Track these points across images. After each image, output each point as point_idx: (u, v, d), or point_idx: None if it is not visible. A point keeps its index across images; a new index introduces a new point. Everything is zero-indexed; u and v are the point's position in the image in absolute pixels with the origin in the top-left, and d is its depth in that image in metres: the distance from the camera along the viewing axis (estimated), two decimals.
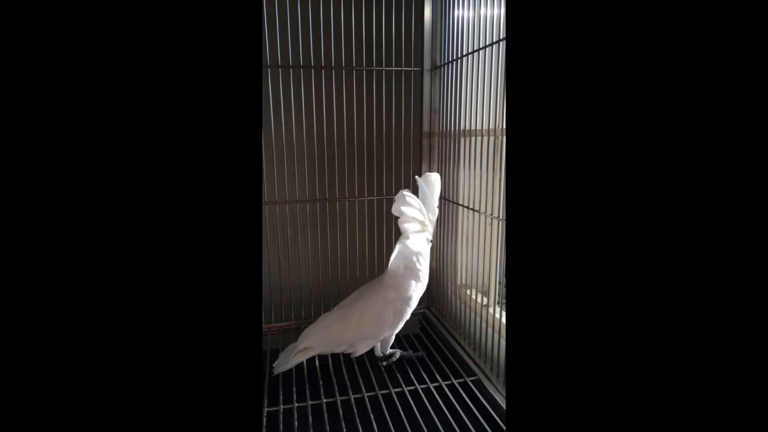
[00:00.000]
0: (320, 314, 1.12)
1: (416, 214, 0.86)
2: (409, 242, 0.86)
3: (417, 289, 0.89)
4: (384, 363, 0.94)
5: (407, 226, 0.86)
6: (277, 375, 0.90)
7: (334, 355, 0.97)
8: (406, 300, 0.87)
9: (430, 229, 0.89)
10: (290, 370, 0.90)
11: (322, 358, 0.96)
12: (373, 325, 0.86)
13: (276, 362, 0.90)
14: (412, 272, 0.87)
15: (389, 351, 0.94)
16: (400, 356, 0.95)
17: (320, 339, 0.87)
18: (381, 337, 0.90)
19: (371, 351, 0.97)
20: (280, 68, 0.99)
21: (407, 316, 0.89)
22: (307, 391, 0.85)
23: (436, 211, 0.89)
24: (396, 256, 0.87)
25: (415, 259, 0.87)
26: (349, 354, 0.92)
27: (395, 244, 0.88)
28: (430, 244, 0.91)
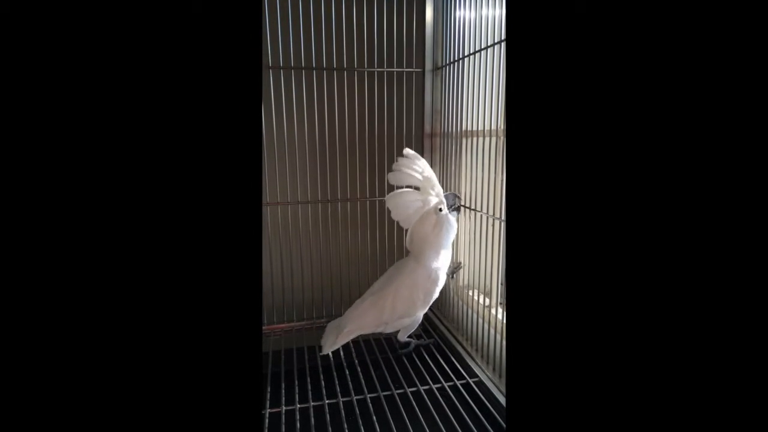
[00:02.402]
0: (323, 315, 1.14)
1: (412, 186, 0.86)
2: (418, 222, 0.88)
3: (441, 261, 0.91)
4: (401, 351, 0.99)
5: (411, 209, 0.87)
6: (279, 376, 0.90)
7: (336, 357, 0.97)
8: (434, 278, 0.90)
9: (430, 198, 0.87)
10: (292, 371, 0.91)
11: (324, 359, 0.96)
12: (405, 306, 0.90)
13: (322, 340, 0.93)
14: (430, 245, 0.89)
15: (405, 339, 0.99)
16: (416, 345, 1.01)
17: (359, 323, 0.90)
18: (414, 316, 0.93)
19: (373, 353, 0.98)
20: (281, 70, 1.00)
21: (436, 295, 0.92)
22: (309, 393, 0.85)
23: (430, 176, 0.87)
24: (408, 236, 0.92)
25: (426, 233, 0.88)
26: (389, 333, 0.96)
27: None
28: (445, 212, 0.88)
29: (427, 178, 0.86)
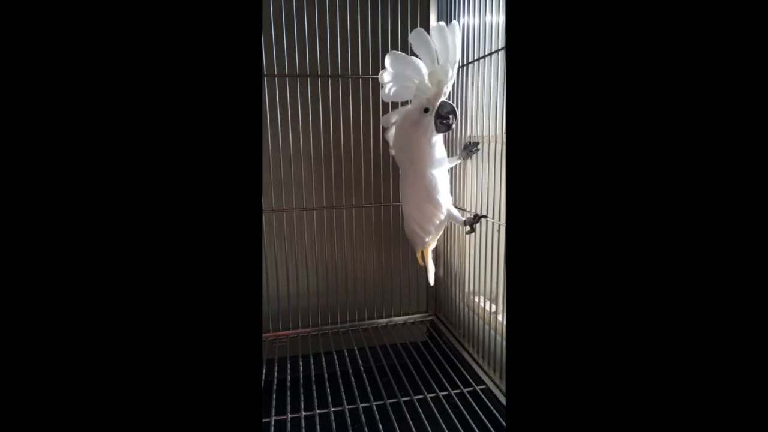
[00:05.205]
0: (328, 322, 1.13)
1: (409, 76, 0.70)
2: (402, 119, 0.78)
3: (434, 166, 0.78)
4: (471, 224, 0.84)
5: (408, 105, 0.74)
6: (284, 383, 0.90)
7: (341, 363, 0.97)
8: (429, 178, 0.78)
9: (425, 89, 0.71)
10: (297, 379, 0.91)
11: (330, 365, 0.96)
12: (427, 219, 0.83)
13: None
14: (418, 149, 0.77)
15: (468, 228, 0.85)
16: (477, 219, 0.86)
17: (420, 226, 0.86)
18: (445, 215, 0.83)
19: (379, 361, 0.97)
20: (287, 77, 1.00)
21: (442, 192, 0.80)
22: (315, 400, 0.85)
23: (448, 70, 0.69)
24: (393, 137, 0.83)
25: (408, 133, 0.77)
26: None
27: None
28: (430, 117, 0.73)
29: (438, 68, 0.69)
